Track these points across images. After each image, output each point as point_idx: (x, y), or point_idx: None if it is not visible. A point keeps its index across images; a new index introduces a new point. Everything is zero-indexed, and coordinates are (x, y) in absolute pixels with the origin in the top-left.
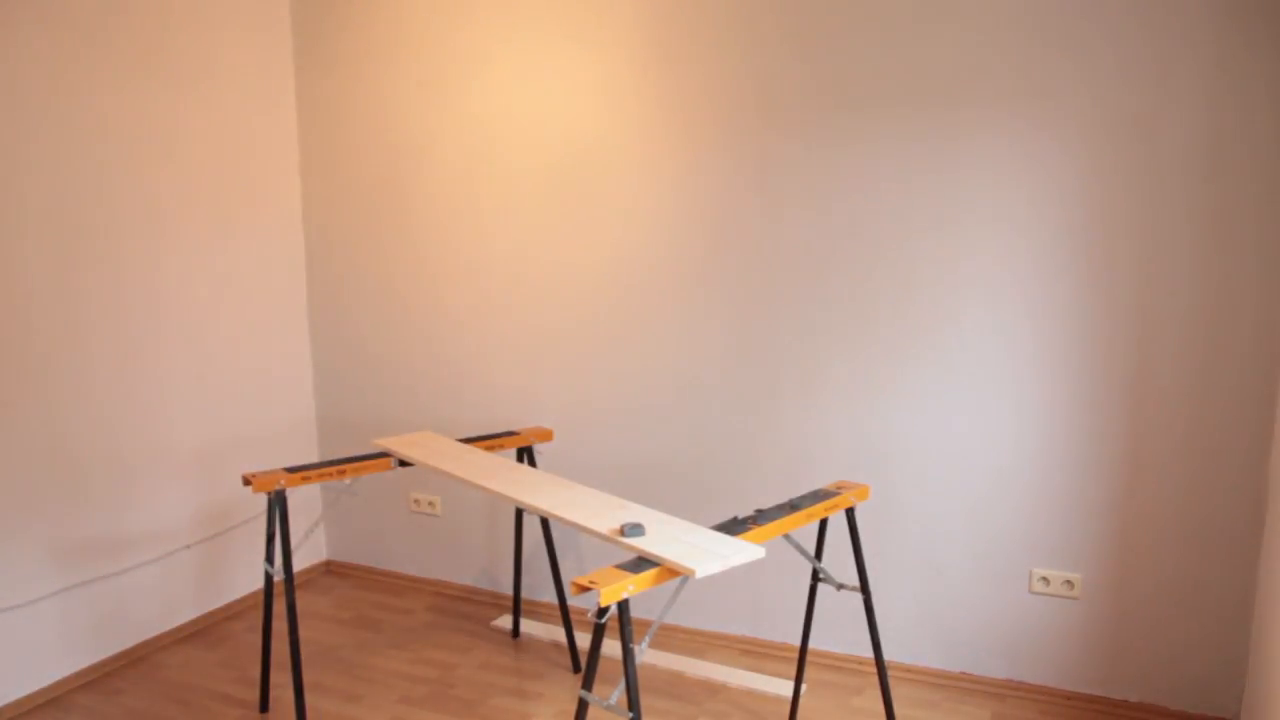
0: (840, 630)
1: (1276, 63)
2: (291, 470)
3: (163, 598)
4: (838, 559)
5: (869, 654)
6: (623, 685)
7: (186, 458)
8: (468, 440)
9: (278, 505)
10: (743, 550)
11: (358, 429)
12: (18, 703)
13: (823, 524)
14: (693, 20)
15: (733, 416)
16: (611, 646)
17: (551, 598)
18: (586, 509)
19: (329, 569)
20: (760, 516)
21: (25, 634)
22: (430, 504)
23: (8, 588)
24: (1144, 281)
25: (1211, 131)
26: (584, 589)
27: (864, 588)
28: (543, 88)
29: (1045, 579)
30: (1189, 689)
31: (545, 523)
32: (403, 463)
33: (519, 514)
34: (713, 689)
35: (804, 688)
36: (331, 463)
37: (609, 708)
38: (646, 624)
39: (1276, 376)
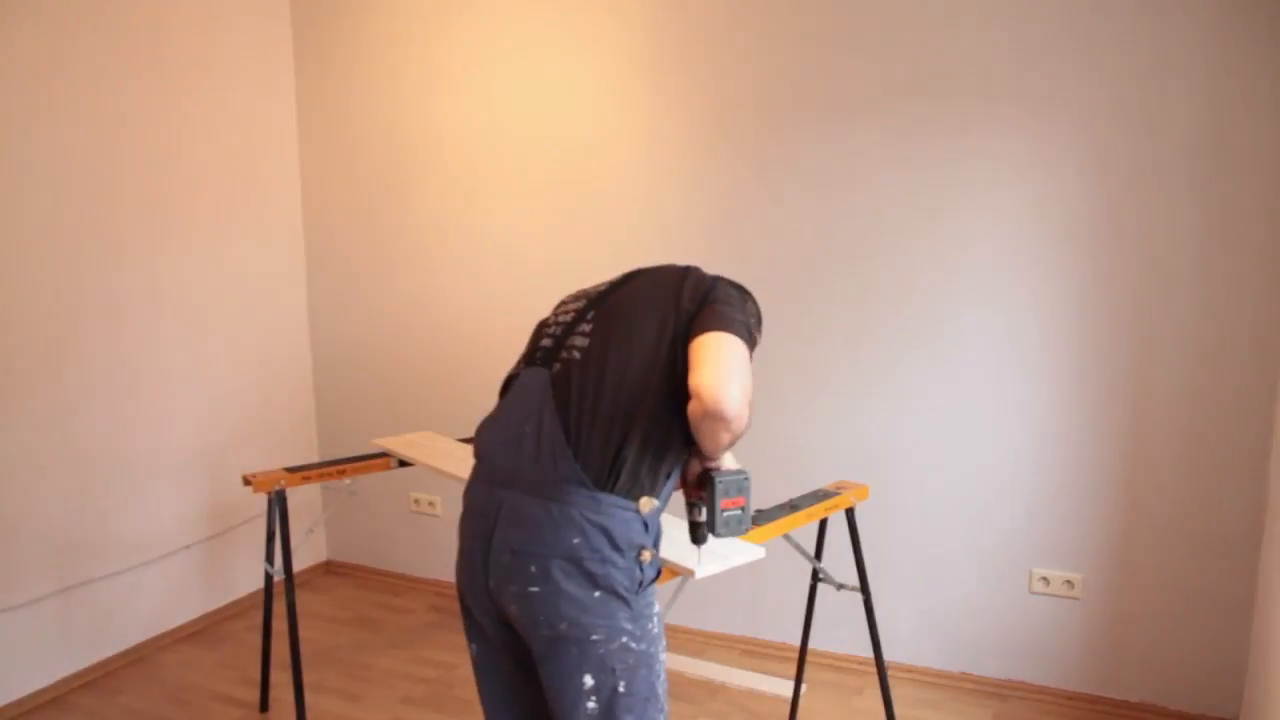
0: (840, 630)
1: (1279, 57)
2: (291, 470)
3: (163, 598)
4: (838, 559)
5: (869, 654)
6: None
7: (186, 458)
8: (468, 440)
9: (278, 505)
10: (743, 550)
11: (358, 429)
12: (18, 702)
13: (823, 524)
14: (694, 18)
15: None
16: None
17: None
18: None
19: (329, 569)
20: (760, 516)
21: (25, 634)
22: (430, 504)
23: (8, 588)
24: (1145, 280)
25: (1214, 127)
26: None
27: (864, 588)
28: (544, 86)
29: (1045, 579)
30: (1189, 689)
31: None
32: (403, 463)
33: None
34: (713, 689)
35: (804, 688)
36: (331, 463)
37: None
38: None
39: (1278, 376)
